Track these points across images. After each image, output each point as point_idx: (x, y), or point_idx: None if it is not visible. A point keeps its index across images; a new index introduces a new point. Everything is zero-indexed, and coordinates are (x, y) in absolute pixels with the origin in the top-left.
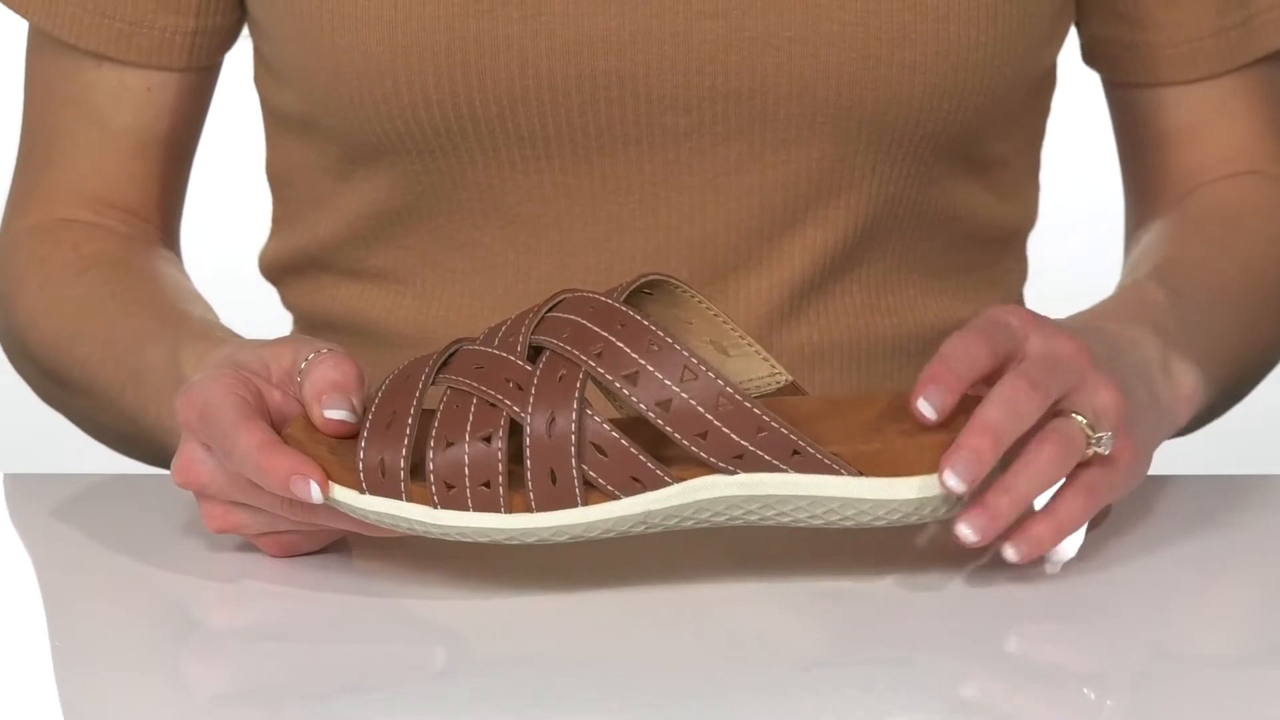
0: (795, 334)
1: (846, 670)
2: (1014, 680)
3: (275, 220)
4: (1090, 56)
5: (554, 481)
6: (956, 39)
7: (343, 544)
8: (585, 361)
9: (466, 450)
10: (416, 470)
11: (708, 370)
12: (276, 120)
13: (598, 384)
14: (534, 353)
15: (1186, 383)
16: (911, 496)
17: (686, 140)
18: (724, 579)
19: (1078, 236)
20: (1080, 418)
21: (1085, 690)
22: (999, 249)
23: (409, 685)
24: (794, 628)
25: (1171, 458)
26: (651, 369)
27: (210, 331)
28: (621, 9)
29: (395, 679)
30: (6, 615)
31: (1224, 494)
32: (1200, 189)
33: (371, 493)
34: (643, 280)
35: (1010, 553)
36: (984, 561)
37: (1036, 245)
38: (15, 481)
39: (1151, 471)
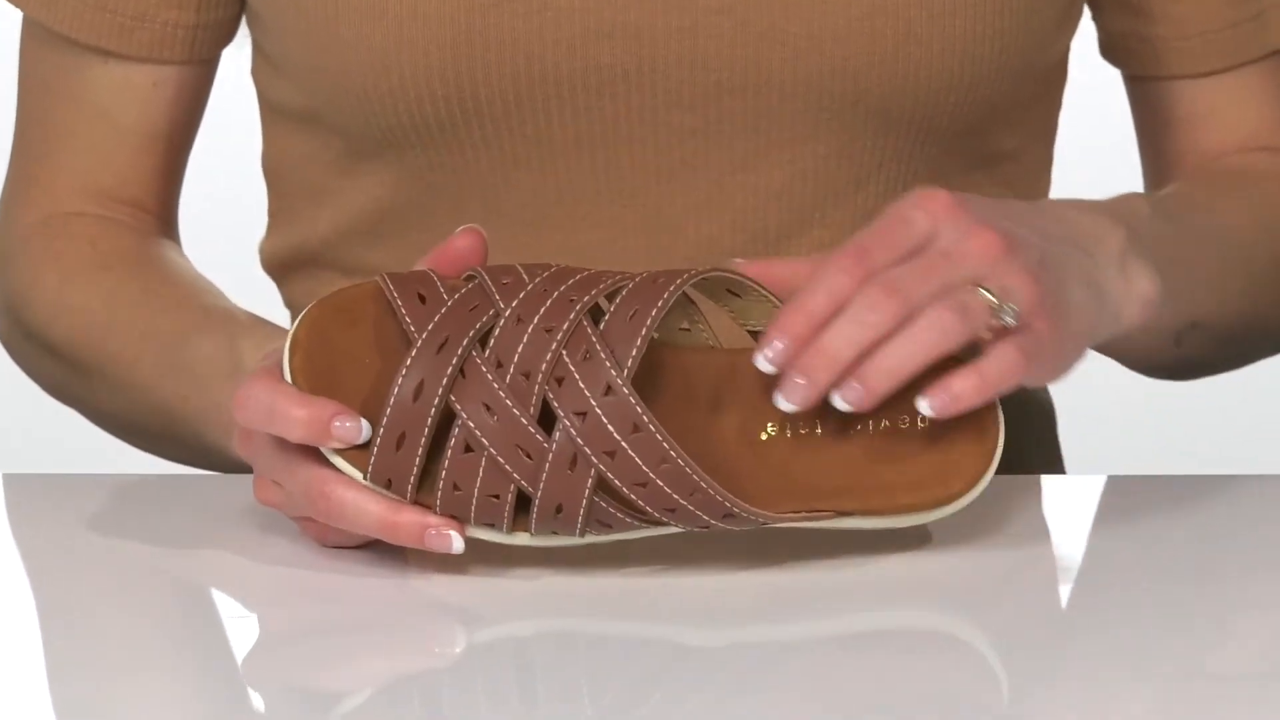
0: None
1: (841, 666)
2: (1013, 680)
3: (272, 215)
4: (1105, 50)
5: (555, 533)
6: (963, 33)
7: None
8: (596, 465)
9: (474, 501)
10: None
11: (715, 492)
12: (275, 114)
13: (606, 485)
14: (547, 406)
15: (1143, 285)
16: (900, 526)
17: (692, 139)
18: (732, 563)
19: None
20: (986, 292)
21: (1087, 690)
22: None
23: (414, 685)
24: (784, 613)
25: (1176, 457)
26: (660, 483)
27: (260, 322)
28: (627, 4)
29: (400, 680)
30: (4, 617)
31: (1224, 494)
32: (1216, 160)
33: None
34: (702, 276)
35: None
36: (983, 558)
37: None
38: (14, 482)
39: (1152, 471)
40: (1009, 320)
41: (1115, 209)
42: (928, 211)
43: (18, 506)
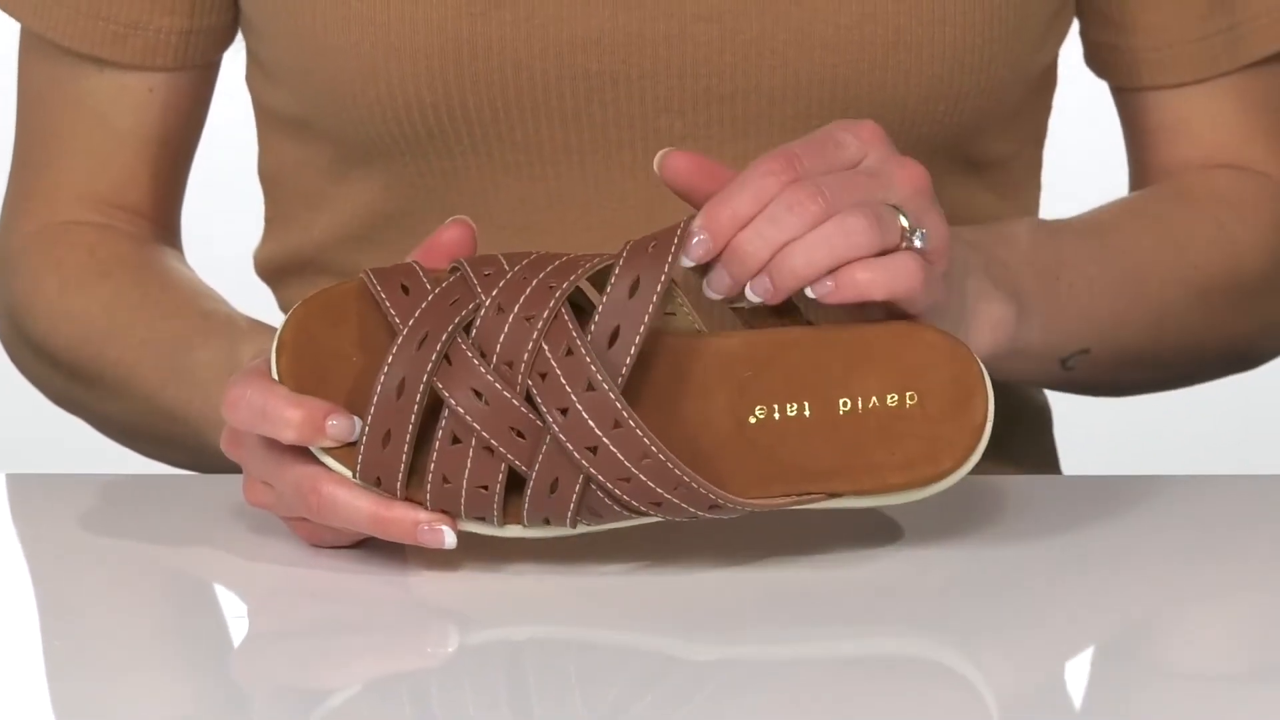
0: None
1: (832, 676)
2: (1005, 685)
3: (268, 221)
4: (1088, 60)
5: (547, 521)
6: (952, 42)
7: (365, 544)
8: (581, 463)
9: (464, 493)
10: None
11: (699, 486)
12: (270, 120)
13: (591, 481)
14: (530, 395)
15: (995, 309)
16: (891, 504)
17: (681, 145)
18: (725, 567)
19: None
20: (904, 219)
21: (1076, 686)
22: None
23: (405, 686)
24: (774, 607)
25: (1170, 458)
26: (644, 478)
27: (260, 327)
28: (615, 12)
29: (390, 680)
30: (6, 616)
31: (1222, 494)
32: (1181, 173)
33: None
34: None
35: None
36: (968, 558)
37: None
38: (17, 481)
39: (1148, 471)
40: (918, 243)
41: (978, 237)
42: (859, 138)
43: (21, 506)
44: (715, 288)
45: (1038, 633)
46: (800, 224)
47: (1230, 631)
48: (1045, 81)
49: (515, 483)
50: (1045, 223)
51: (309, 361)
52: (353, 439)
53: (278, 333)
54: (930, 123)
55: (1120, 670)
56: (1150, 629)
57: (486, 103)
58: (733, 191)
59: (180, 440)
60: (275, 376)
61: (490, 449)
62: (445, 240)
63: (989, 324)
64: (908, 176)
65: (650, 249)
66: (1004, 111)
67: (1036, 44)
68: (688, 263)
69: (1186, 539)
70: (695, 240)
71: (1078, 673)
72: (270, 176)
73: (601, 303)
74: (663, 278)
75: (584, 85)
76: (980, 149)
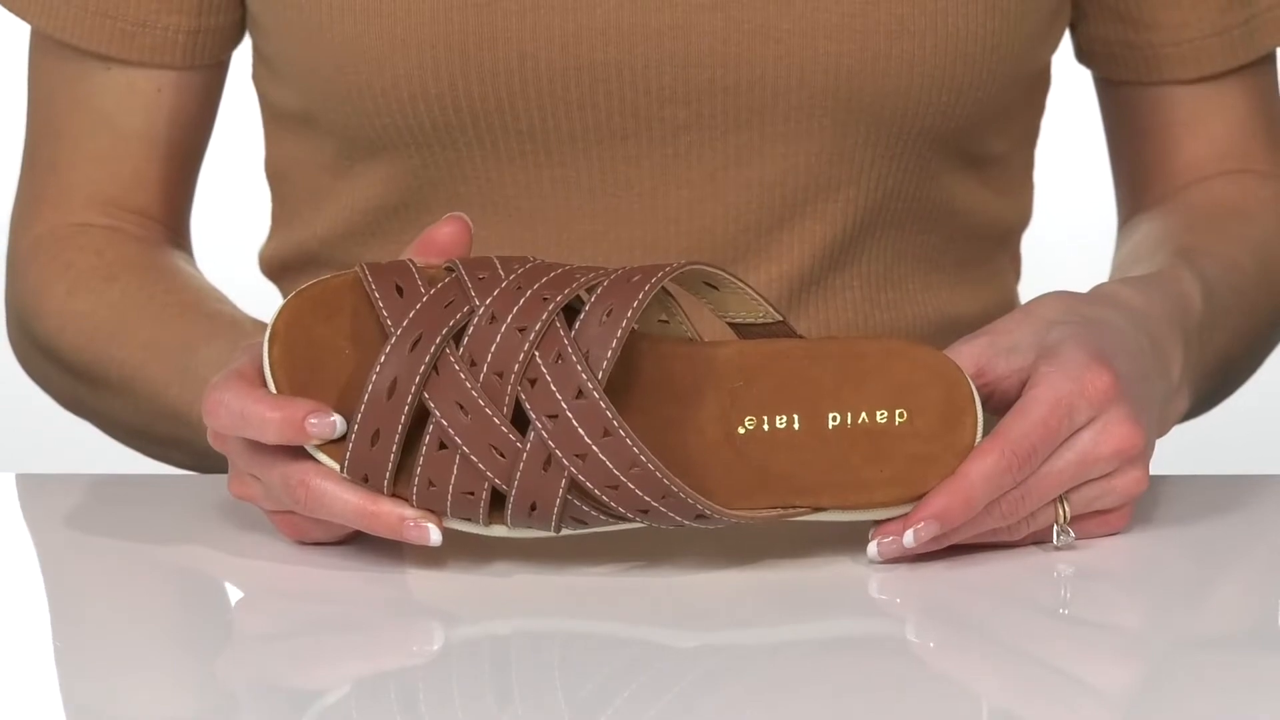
0: (795, 327)
1: (812, 667)
2: (1003, 673)
3: (274, 218)
4: (1086, 55)
5: (529, 525)
6: (955, 32)
7: (352, 541)
8: (569, 469)
9: (450, 497)
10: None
11: (686, 496)
12: (275, 117)
13: (578, 487)
14: (521, 406)
15: (1181, 405)
16: (877, 519)
17: (685, 134)
18: (704, 563)
19: (1069, 237)
20: (1065, 509)
21: (1079, 685)
22: (995, 245)
23: (391, 682)
24: (764, 604)
25: (1171, 458)
26: (632, 486)
27: (264, 328)
28: (620, 2)
29: (377, 677)
30: (16, 615)
31: (1224, 494)
32: (1198, 183)
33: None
34: (678, 271)
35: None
36: (968, 558)
37: (1028, 245)
38: (27, 481)
39: (1151, 471)
40: (1058, 540)
41: (1177, 316)
42: (1090, 401)
43: (31, 506)
44: (886, 553)
45: (1029, 631)
46: (1000, 526)
47: (1234, 631)
48: (1041, 81)
49: (498, 510)
50: (1195, 280)
51: (301, 353)
52: (335, 436)
53: (270, 323)
54: (933, 114)
55: (1115, 670)
56: (1149, 628)
57: (492, 93)
58: (977, 487)
59: (183, 441)
60: (267, 367)
61: (474, 466)
62: (440, 236)
63: (1176, 417)
64: (1118, 448)
65: (632, 280)
66: (1004, 106)
67: (1037, 39)
68: (910, 543)
69: (1189, 538)
70: (924, 527)
71: (1069, 674)
72: (276, 174)
73: (576, 323)
74: (628, 315)
75: (589, 75)
76: (980, 145)
